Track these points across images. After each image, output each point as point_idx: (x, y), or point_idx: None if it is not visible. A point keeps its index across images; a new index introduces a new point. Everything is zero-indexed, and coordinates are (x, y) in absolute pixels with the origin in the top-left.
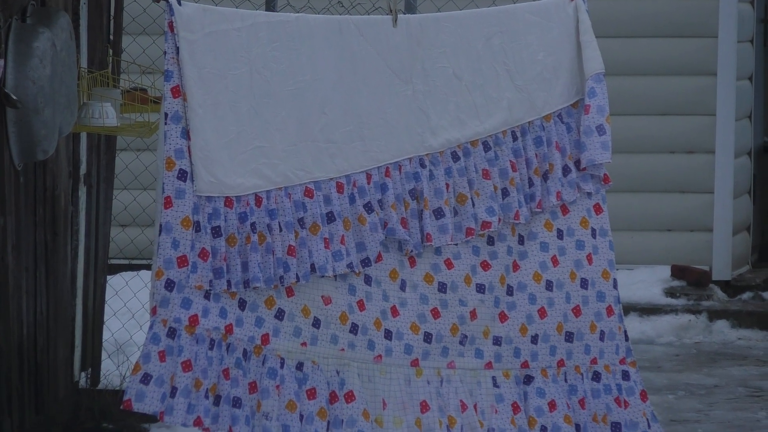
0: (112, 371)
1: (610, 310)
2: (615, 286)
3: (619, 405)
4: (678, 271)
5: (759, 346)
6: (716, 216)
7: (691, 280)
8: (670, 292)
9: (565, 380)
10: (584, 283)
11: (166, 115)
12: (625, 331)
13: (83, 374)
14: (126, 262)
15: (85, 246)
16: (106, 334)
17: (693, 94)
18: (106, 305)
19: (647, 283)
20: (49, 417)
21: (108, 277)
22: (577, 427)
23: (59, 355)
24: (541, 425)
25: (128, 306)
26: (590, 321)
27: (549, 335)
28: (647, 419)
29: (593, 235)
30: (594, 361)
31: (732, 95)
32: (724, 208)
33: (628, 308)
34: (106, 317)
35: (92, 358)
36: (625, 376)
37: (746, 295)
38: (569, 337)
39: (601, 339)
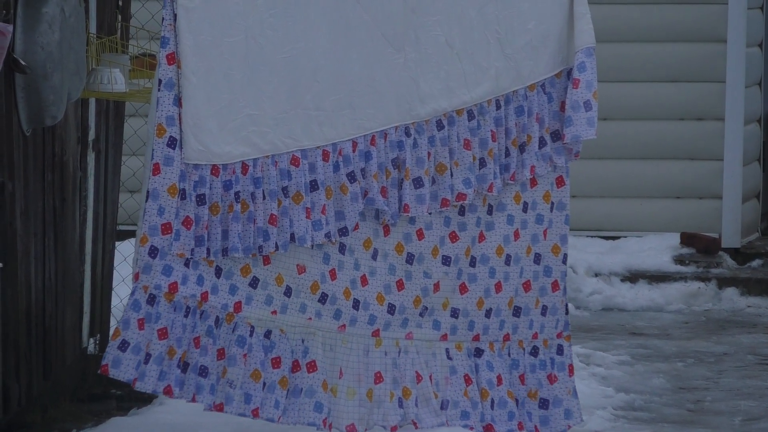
0: None
1: (555, 285)
2: (564, 261)
3: (550, 381)
4: (687, 239)
5: None
6: (726, 183)
7: (700, 247)
8: (680, 260)
9: (509, 355)
10: (537, 258)
11: (159, 81)
12: (567, 305)
13: (91, 340)
14: (134, 228)
15: (93, 212)
16: (114, 300)
17: (703, 61)
18: (114, 271)
19: (656, 250)
20: (57, 383)
21: (116, 243)
22: (517, 402)
23: (67, 321)
24: (491, 398)
25: None
26: (536, 296)
27: (501, 309)
28: (570, 395)
29: (551, 209)
30: (535, 336)
31: (742, 62)
32: (733, 175)
33: (638, 275)
34: (114, 283)
35: (100, 324)
36: (560, 350)
37: (756, 263)
38: (517, 311)
39: (543, 314)
